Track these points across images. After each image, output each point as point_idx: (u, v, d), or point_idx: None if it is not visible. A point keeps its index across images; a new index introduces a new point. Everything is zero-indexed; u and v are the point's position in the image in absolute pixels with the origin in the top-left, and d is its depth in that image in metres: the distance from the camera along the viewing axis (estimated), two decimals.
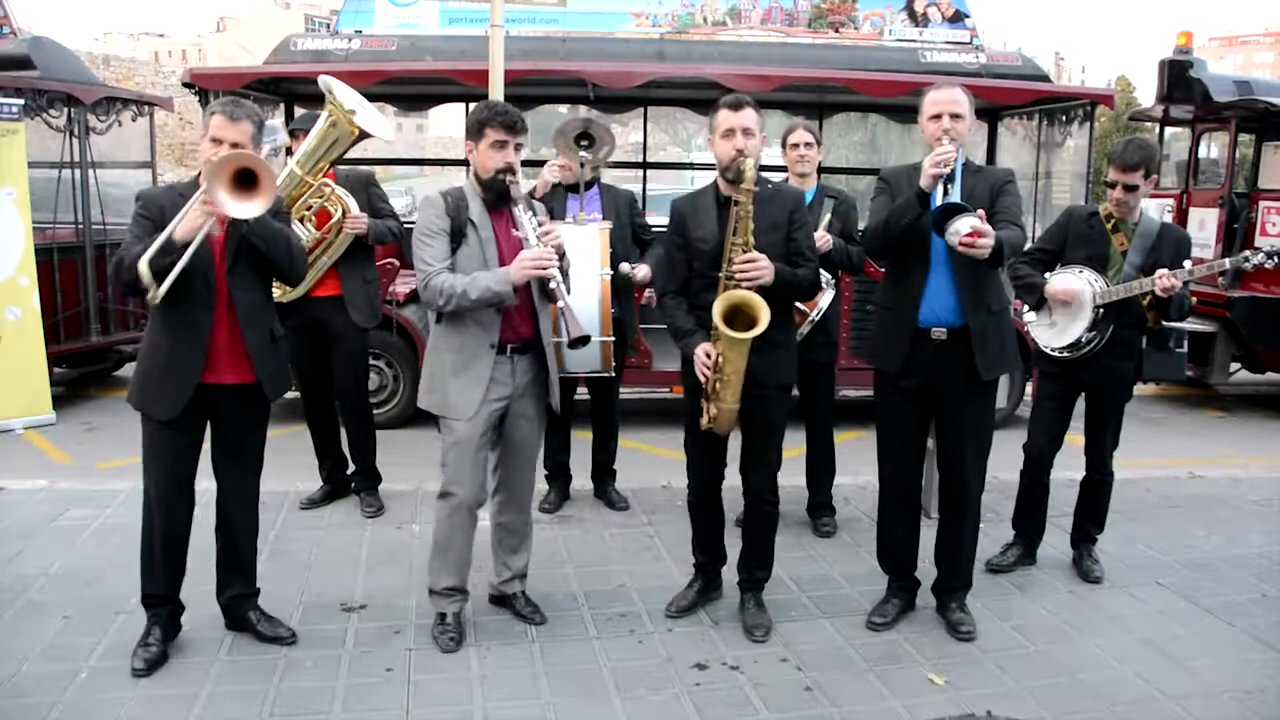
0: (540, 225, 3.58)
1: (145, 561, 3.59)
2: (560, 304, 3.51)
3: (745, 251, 3.53)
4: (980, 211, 3.42)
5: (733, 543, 4.05)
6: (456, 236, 3.62)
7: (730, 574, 4.07)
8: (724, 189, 3.69)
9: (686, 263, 3.79)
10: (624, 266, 5.03)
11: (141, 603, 3.61)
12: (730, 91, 7.23)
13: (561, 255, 3.60)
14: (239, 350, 3.49)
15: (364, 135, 4.86)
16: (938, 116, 3.65)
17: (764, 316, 3.47)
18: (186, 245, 3.22)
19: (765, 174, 3.82)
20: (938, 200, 3.49)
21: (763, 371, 3.65)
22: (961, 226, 3.35)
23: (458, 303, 3.51)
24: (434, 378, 3.71)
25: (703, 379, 3.63)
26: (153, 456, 3.52)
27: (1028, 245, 4.18)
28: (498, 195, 3.62)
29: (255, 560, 3.81)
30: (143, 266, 3.20)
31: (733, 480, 3.93)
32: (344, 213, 4.86)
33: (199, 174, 3.55)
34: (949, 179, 3.52)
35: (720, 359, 3.55)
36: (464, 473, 3.68)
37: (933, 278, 3.70)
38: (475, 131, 3.61)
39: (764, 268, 3.52)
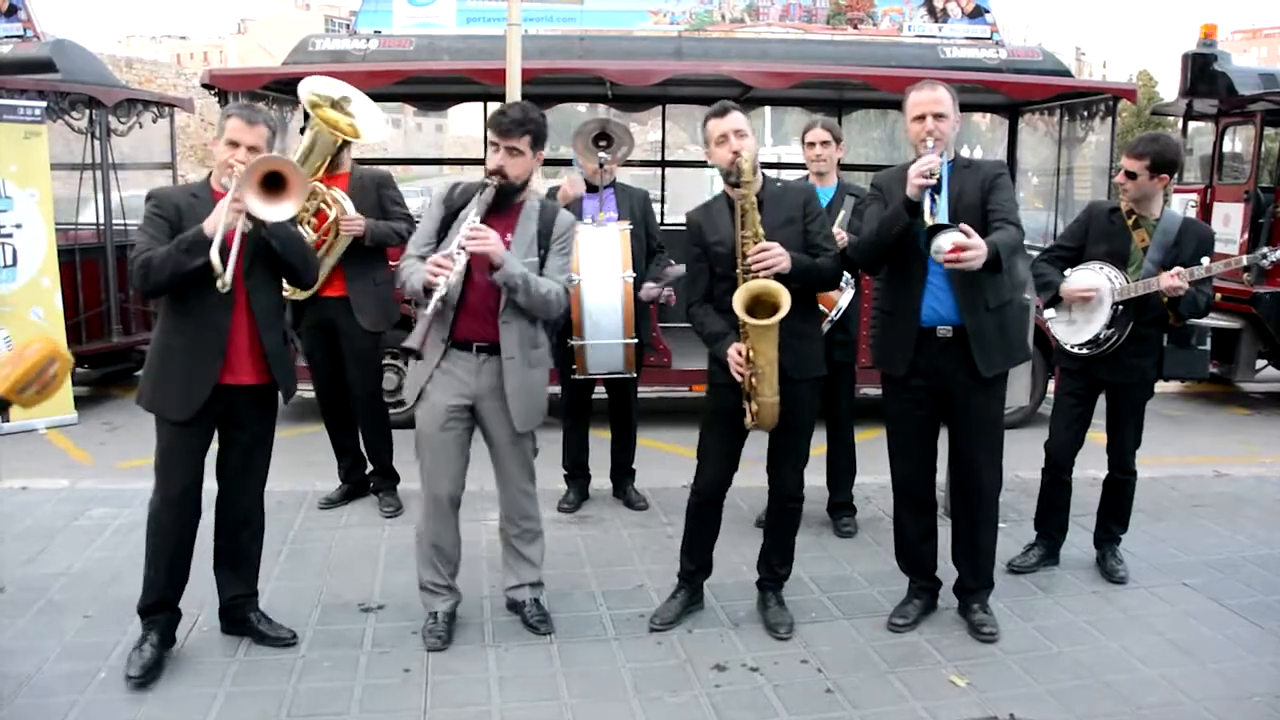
0: (472, 229, 3.44)
1: (151, 569, 3.50)
2: (427, 310, 3.42)
3: (757, 242, 3.52)
4: (963, 225, 3.38)
5: (752, 544, 4.02)
6: (446, 227, 3.66)
7: (750, 574, 4.04)
8: (731, 193, 3.68)
9: (709, 270, 3.77)
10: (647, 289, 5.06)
11: (139, 612, 3.51)
12: (749, 88, 7.27)
13: (492, 262, 3.48)
14: (256, 351, 3.49)
15: (346, 143, 4.89)
16: (920, 118, 3.62)
17: (785, 301, 3.46)
18: (210, 242, 3.22)
19: (773, 172, 3.80)
20: (926, 206, 3.46)
21: (792, 365, 3.63)
22: (943, 243, 3.32)
23: (404, 289, 3.62)
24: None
25: (739, 378, 3.60)
26: (166, 460, 3.48)
27: (1049, 242, 4.14)
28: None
29: (259, 562, 3.79)
30: (214, 256, 3.19)
31: (753, 481, 3.91)
32: (339, 212, 4.83)
33: (210, 174, 3.57)
34: (935, 189, 3.48)
35: (751, 352, 3.53)
36: (425, 464, 3.71)
37: (932, 277, 3.67)
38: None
39: (778, 254, 3.50)
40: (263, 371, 3.52)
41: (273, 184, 3.28)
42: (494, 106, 8.07)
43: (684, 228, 3.91)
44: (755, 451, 3.89)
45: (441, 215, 3.69)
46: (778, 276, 3.50)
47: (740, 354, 3.56)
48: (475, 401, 3.68)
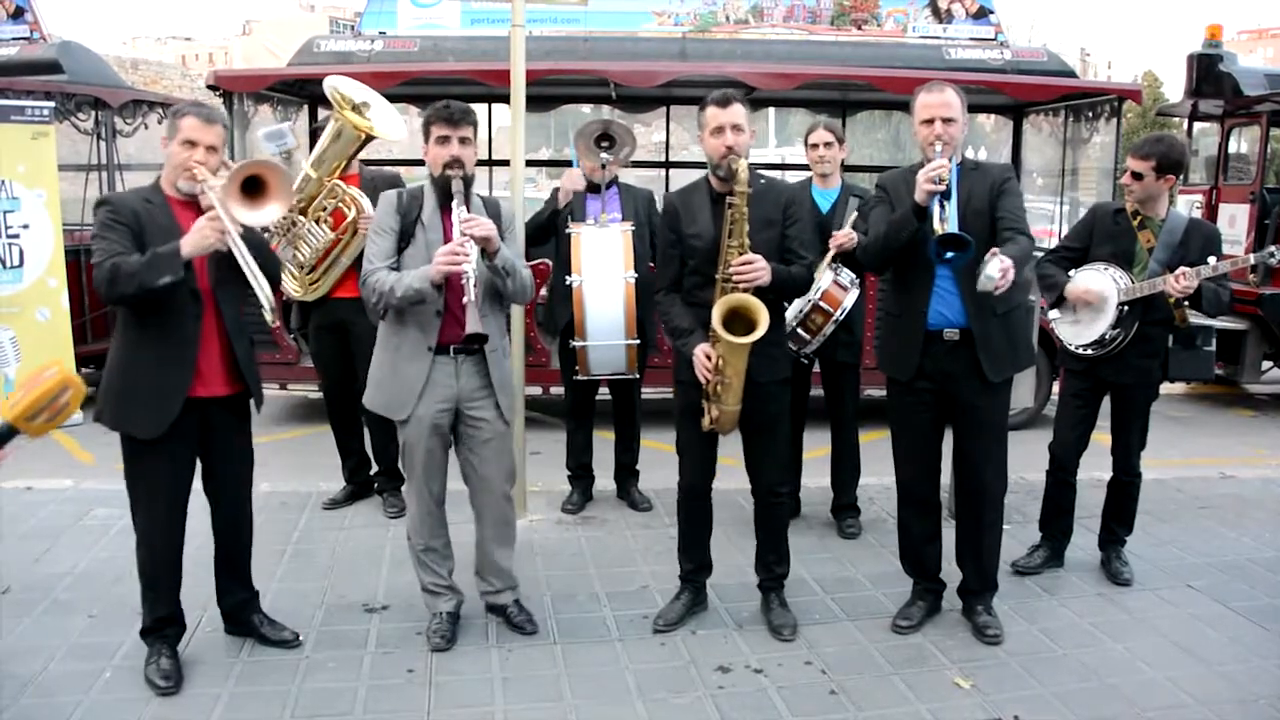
0: (465, 219, 3.45)
1: (148, 588, 3.45)
2: (465, 298, 3.41)
3: (741, 253, 3.48)
4: (994, 249, 3.38)
5: (754, 545, 4.01)
6: (405, 236, 3.61)
7: (753, 575, 4.04)
8: (716, 185, 3.66)
9: (680, 259, 3.75)
10: None
11: (143, 633, 3.48)
12: (754, 90, 7.26)
13: (488, 247, 3.49)
14: (227, 361, 3.40)
15: (370, 138, 4.88)
16: (929, 121, 3.60)
17: (764, 320, 3.43)
18: (184, 263, 3.11)
19: (759, 170, 3.78)
20: (934, 212, 3.46)
21: (758, 370, 3.60)
22: (993, 272, 3.29)
23: (386, 300, 3.52)
24: (375, 377, 3.73)
25: (704, 380, 3.59)
26: (142, 478, 3.37)
27: (1054, 243, 4.13)
28: (444, 193, 3.57)
29: (251, 563, 3.75)
30: (258, 282, 3.26)
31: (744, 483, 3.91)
32: (358, 212, 4.83)
33: (158, 178, 3.41)
34: (944, 194, 3.47)
35: (721, 362, 3.51)
36: (417, 472, 3.70)
37: (939, 280, 3.67)
38: (424, 132, 3.62)
39: (761, 269, 3.47)
40: (234, 381, 3.44)
41: (252, 188, 3.22)
42: (501, 108, 8.11)
43: None
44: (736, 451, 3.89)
45: (399, 226, 3.62)
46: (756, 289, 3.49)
47: (709, 356, 3.54)
48: (458, 404, 3.66)
